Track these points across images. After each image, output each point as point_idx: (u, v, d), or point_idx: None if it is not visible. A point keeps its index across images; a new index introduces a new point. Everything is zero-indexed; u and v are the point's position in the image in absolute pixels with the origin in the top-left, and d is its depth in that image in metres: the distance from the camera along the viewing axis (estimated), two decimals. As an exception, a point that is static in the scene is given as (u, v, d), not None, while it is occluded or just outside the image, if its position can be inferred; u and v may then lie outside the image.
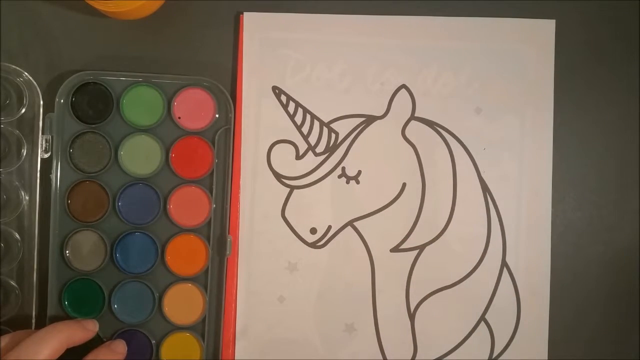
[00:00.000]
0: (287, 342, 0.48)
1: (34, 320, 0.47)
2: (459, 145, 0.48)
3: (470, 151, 0.48)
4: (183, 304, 0.48)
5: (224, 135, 0.48)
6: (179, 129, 0.48)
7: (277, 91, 0.49)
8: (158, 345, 0.48)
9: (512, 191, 0.48)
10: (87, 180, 0.47)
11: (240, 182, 0.48)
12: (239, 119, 0.48)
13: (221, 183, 0.48)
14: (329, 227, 0.48)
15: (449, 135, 0.48)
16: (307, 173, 0.48)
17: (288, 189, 0.48)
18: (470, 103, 0.48)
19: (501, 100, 0.48)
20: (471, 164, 0.48)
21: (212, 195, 0.48)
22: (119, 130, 0.47)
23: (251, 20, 0.48)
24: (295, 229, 0.48)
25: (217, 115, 0.48)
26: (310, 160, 0.48)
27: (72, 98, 0.47)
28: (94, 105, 0.47)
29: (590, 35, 0.49)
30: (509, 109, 0.48)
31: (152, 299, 0.47)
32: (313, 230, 0.48)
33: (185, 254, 0.48)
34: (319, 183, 0.48)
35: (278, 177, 0.48)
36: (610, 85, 0.49)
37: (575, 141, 0.49)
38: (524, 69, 0.48)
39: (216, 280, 0.48)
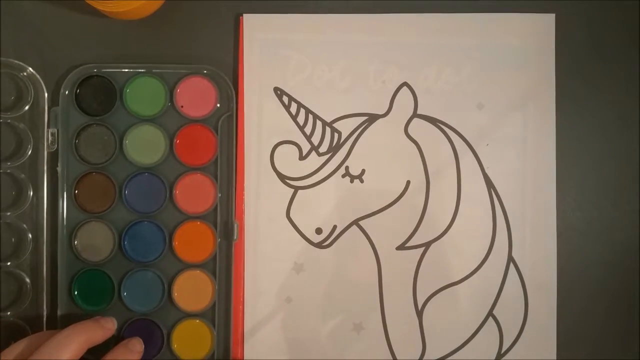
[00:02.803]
0: (296, 342, 0.48)
1: (45, 312, 0.47)
2: (462, 141, 0.48)
3: (474, 147, 0.48)
4: (192, 290, 0.48)
5: (226, 122, 0.48)
6: (182, 117, 0.48)
7: (279, 92, 0.48)
8: (169, 333, 0.48)
9: (517, 186, 0.48)
10: (93, 172, 0.48)
11: (245, 183, 0.48)
12: (242, 110, 0.48)
13: (225, 169, 0.48)
14: (334, 227, 0.48)
15: (451, 132, 0.48)
16: (311, 173, 0.48)
17: (292, 190, 0.48)
18: (472, 99, 0.48)
19: (503, 96, 0.48)
20: (475, 160, 0.48)
21: (217, 182, 0.48)
22: (123, 121, 0.48)
23: (251, 22, 0.48)
24: (301, 229, 0.48)
25: (218, 104, 0.48)
26: (314, 161, 0.48)
27: (76, 91, 0.48)
28: (98, 98, 0.48)
29: (590, 29, 0.49)
30: (511, 104, 0.48)
31: (162, 286, 0.48)
32: (318, 230, 0.48)
33: (193, 241, 0.48)
34: (323, 183, 0.48)
35: (282, 178, 0.48)
36: (610, 80, 0.48)
37: (576, 141, 0.48)
38: (525, 63, 0.48)
39: (224, 266, 0.48)
